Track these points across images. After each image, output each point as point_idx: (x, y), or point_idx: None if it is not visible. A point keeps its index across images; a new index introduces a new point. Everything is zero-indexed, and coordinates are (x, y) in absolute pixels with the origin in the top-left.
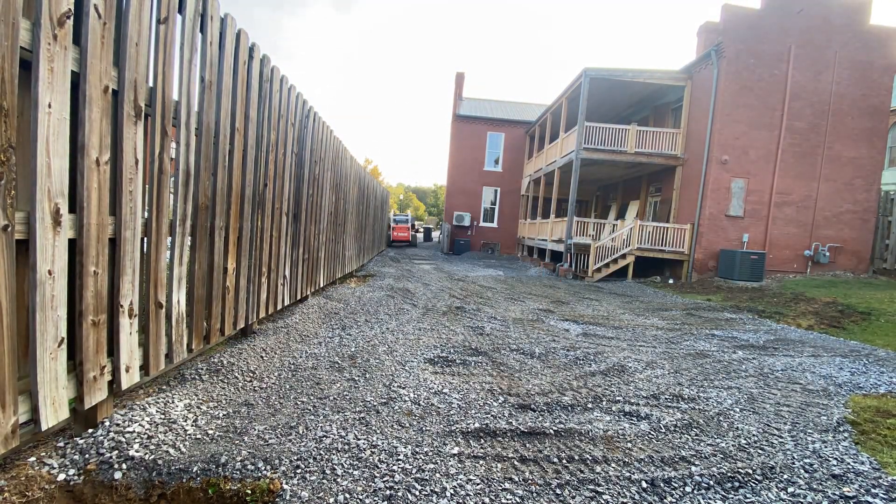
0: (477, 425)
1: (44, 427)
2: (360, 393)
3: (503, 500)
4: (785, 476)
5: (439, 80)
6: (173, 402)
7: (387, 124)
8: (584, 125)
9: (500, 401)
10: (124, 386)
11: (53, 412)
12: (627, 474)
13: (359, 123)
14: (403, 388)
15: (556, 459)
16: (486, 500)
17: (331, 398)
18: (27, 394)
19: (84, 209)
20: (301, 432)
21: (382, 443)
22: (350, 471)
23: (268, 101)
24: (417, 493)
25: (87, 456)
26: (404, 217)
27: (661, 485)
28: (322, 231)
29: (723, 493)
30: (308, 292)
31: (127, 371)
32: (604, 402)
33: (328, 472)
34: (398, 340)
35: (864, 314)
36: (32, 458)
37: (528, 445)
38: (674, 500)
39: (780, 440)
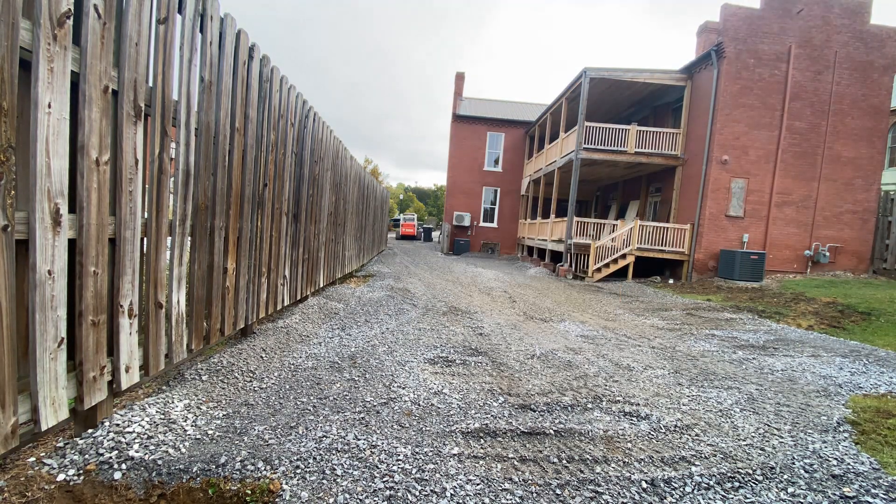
0: (477, 425)
1: (43, 427)
2: (359, 393)
3: (503, 501)
4: (785, 476)
5: (440, 80)
6: (173, 402)
7: (387, 124)
8: (584, 125)
9: (499, 401)
10: (124, 386)
11: (53, 412)
12: (627, 474)
13: (359, 123)
14: (403, 389)
15: (555, 460)
16: (486, 500)
17: (331, 398)
18: (27, 394)
19: (84, 209)
20: (301, 432)
21: (382, 443)
22: (350, 471)
23: (267, 101)
24: (417, 493)
25: (86, 456)
26: (411, 216)
27: (662, 485)
28: (322, 231)
29: (723, 493)
30: (308, 292)
31: (127, 371)
32: (604, 402)
33: (328, 472)
34: (398, 341)
35: (864, 314)
36: (32, 459)
37: (528, 445)
38: (674, 500)
39: (780, 440)
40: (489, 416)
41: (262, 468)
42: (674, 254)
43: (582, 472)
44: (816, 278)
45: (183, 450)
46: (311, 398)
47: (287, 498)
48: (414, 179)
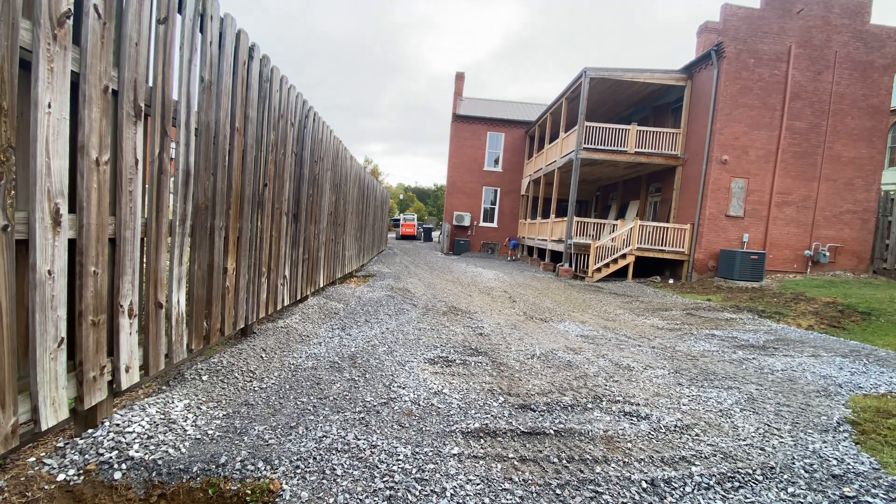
0: (477, 425)
1: (43, 427)
2: (359, 393)
3: (503, 501)
4: (785, 476)
5: (441, 79)
6: (173, 402)
7: (387, 123)
8: (584, 125)
9: (499, 401)
10: (124, 386)
11: (53, 412)
12: (627, 474)
13: (359, 123)
14: (403, 389)
15: (555, 459)
16: (486, 500)
17: (331, 398)
18: (27, 394)
19: (84, 209)
20: (301, 432)
21: (382, 443)
22: (350, 471)
23: (267, 101)
24: (417, 493)
25: (86, 456)
26: (411, 216)
27: (662, 485)
28: (322, 231)
29: (723, 493)
30: (308, 292)
31: (127, 371)
32: (604, 402)
33: (328, 472)
34: (398, 340)
35: (864, 314)
36: (32, 459)
37: (528, 445)
38: (674, 500)
39: (780, 440)
40: (489, 416)
41: (263, 468)
42: (674, 254)
43: (582, 472)
44: (816, 278)
45: (183, 450)
46: (311, 398)
47: (287, 498)
48: (414, 179)
